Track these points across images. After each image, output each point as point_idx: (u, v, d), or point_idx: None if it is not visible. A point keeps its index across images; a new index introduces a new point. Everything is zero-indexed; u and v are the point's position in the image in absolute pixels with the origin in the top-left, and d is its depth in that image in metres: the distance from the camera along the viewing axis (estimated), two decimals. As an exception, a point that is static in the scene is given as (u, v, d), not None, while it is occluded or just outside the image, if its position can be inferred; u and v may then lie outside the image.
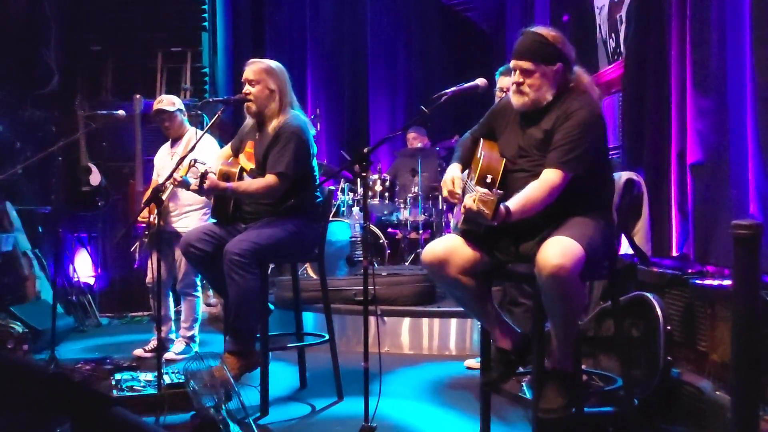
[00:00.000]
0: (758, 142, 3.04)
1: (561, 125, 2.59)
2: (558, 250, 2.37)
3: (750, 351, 2.17)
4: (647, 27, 4.13)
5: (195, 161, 3.49)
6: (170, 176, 3.64)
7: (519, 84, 2.65)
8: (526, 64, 2.62)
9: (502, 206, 2.35)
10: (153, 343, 4.64)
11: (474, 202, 2.31)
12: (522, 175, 2.63)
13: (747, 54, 3.12)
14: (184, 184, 3.89)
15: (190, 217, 4.61)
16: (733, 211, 3.15)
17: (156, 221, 3.35)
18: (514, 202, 2.45)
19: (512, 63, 2.68)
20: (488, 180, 2.59)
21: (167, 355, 4.52)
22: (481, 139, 2.81)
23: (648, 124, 4.08)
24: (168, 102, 4.68)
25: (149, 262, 4.62)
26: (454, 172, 2.75)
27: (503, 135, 2.79)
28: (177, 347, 4.67)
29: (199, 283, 4.74)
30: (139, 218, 4.54)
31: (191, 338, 4.72)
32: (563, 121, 2.59)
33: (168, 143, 4.83)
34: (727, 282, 2.88)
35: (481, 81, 2.79)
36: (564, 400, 2.51)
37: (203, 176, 3.38)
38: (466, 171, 2.84)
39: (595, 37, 5.29)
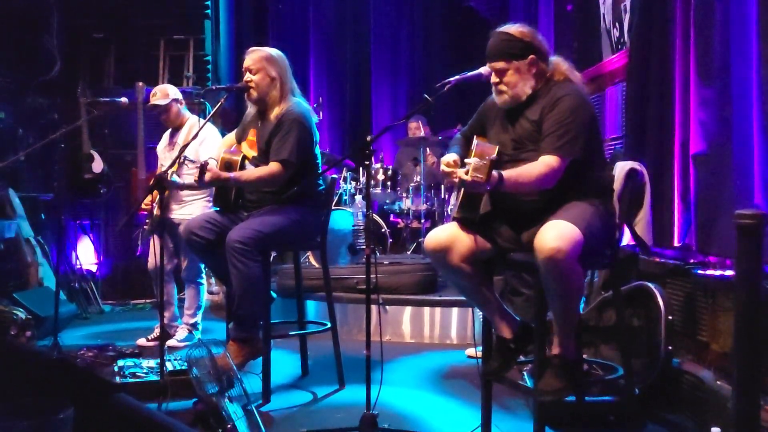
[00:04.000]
0: (764, 132, 3.03)
1: (549, 113, 2.62)
2: (555, 233, 2.38)
3: (751, 341, 2.17)
4: (651, 17, 4.11)
5: (185, 158, 3.47)
6: (173, 164, 3.65)
7: (496, 84, 2.72)
8: (499, 64, 2.69)
9: (495, 172, 2.39)
10: (156, 332, 4.66)
11: (467, 173, 2.35)
12: (519, 165, 2.63)
13: (753, 44, 3.11)
14: (173, 185, 3.97)
15: (193, 205, 4.61)
16: (737, 201, 3.15)
17: (158, 208, 3.36)
18: (509, 173, 2.48)
19: (487, 65, 2.73)
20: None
21: (170, 342, 4.54)
22: (475, 136, 2.82)
23: (651, 114, 4.07)
24: (162, 95, 4.65)
25: (150, 248, 4.65)
26: (451, 155, 2.76)
27: (493, 131, 2.82)
28: (180, 334, 4.69)
29: (203, 270, 4.75)
30: (142, 205, 4.58)
31: (194, 325, 4.73)
32: (550, 109, 2.62)
33: (169, 132, 4.83)
34: (729, 272, 2.88)
35: (484, 70, 2.79)
36: (563, 383, 2.52)
37: (203, 168, 3.37)
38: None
39: (599, 27, 5.27)
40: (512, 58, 2.67)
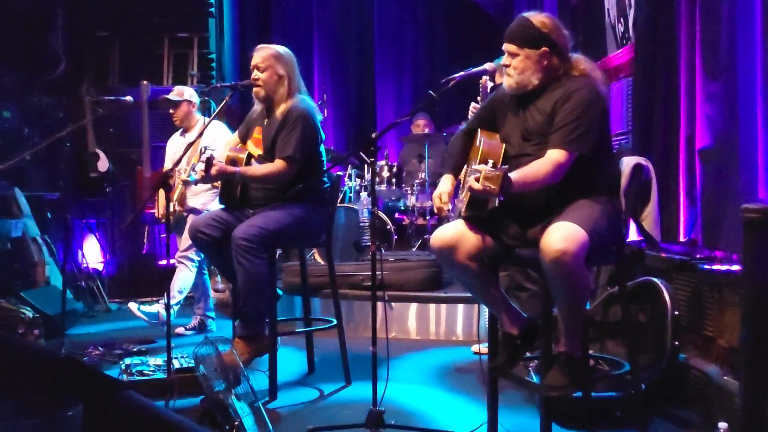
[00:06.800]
0: (768, 126, 3.03)
1: (561, 106, 2.60)
2: (561, 235, 2.37)
3: (758, 336, 2.17)
4: (656, 11, 4.10)
5: (205, 148, 3.51)
6: (178, 162, 3.68)
7: (506, 66, 2.71)
8: (511, 47, 2.68)
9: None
10: (193, 322, 4.85)
11: (479, 181, 2.33)
12: (527, 159, 2.63)
13: (758, 37, 3.10)
14: (187, 183, 4.07)
15: (202, 195, 4.73)
16: (741, 196, 3.14)
17: (172, 206, 3.41)
18: (516, 174, 2.47)
19: (503, 47, 2.73)
20: (489, 164, 2.59)
21: (135, 311, 4.69)
22: (479, 129, 2.81)
23: (657, 109, 4.06)
24: (177, 93, 4.86)
25: (179, 246, 4.85)
26: (443, 187, 2.77)
27: (505, 122, 2.79)
28: (153, 308, 4.78)
29: (196, 258, 4.78)
30: (159, 210, 4.74)
31: (168, 307, 4.73)
32: (563, 102, 2.60)
33: (179, 131, 4.96)
34: (735, 267, 2.88)
35: (489, 65, 2.80)
36: (568, 379, 2.52)
37: (209, 162, 3.39)
38: (464, 167, 2.84)
39: (603, 22, 5.26)
40: (525, 44, 2.65)
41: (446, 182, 2.80)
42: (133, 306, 4.69)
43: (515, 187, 2.43)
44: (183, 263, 4.76)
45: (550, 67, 2.66)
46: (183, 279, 4.77)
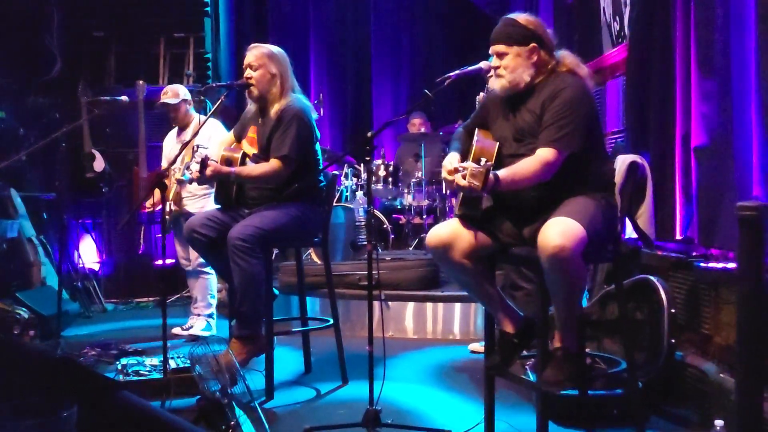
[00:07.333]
0: (762, 124, 3.03)
1: (549, 105, 2.62)
2: (558, 231, 2.38)
3: (754, 333, 2.17)
4: (651, 9, 4.10)
5: (197, 147, 3.51)
6: (174, 161, 3.67)
7: (496, 68, 2.72)
8: (500, 47, 2.70)
9: (491, 175, 2.40)
10: (190, 322, 4.81)
11: (464, 178, 2.35)
12: (519, 160, 2.63)
13: (752, 35, 3.10)
14: (181, 182, 4.06)
15: (200, 200, 4.71)
16: (737, 194, 3.14)
17: (169, 206, 3.40)
18: (504, 172, 2.48)
19: (490, 50, 2.74)
20: (482, 162, 2.59)
21: (192, 331, 4.66)
22: (476, 129, 2.82)
23: (652, 107, 4.06)
24: (172, 94, 4.79)
25: (176, 246, 4.86)
26: (452, 157, 2.76)
27: (495, 124, 2.81)
28: (199, 325, 4.75)
29: None
30: (158, 207, 4.74)
31: (210, 316, 4.79)
32: (551, 101, 2.62)
33: (175, 130, 4.94)
34: (731, 265, 2.88)
35: (484, 64, 2.79)
36: (565, 375, 2.52)
37: (204, 162, 3.39)
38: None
39: (599, 20, 5.26)
40: (513, 42, 2.67)
41: (453, 155, 2.75)
42: (195, 331, 4.68)
43: (503, 185, 2.45)
44: (201, 271, 4.77)
45: (539, 63, 2.68)
46: (210, 286, 4.81)
